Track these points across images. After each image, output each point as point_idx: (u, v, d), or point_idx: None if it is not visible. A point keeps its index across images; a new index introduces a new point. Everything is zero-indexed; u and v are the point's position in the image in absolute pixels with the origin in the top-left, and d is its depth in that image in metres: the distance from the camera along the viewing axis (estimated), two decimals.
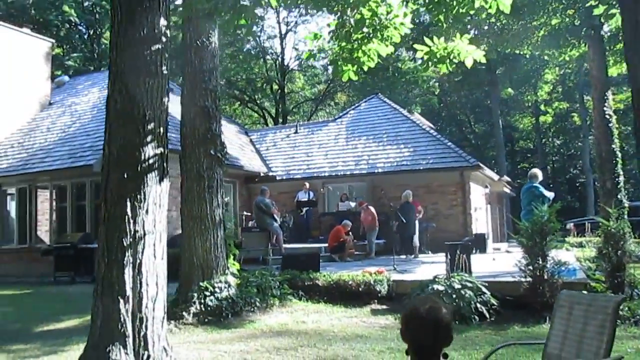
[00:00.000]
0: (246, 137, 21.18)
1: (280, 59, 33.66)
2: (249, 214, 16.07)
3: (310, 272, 9.01)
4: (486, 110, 37.83)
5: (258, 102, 35.80)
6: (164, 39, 4.68)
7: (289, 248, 13.78)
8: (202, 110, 7.89)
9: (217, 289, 7.52)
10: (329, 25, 6.02)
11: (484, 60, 6.15)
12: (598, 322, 3.12)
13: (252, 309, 7.62)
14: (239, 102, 36.97)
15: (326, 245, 13.51)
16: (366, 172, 16.73)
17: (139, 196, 4.38)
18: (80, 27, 35.61)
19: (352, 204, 16.25)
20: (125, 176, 4.37)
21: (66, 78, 22.94)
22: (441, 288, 7.63)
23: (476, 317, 7.28)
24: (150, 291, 4.39)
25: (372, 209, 14.10)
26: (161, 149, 4.61)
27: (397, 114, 19.24)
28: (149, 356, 4.30)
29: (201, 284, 7.38)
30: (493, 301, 7.58)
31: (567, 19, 17.03)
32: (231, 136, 19.80)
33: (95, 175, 14.93)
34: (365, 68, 6.12)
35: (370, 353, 5.70)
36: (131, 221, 4.33)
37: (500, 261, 11.01)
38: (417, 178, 16.01)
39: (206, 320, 7.17)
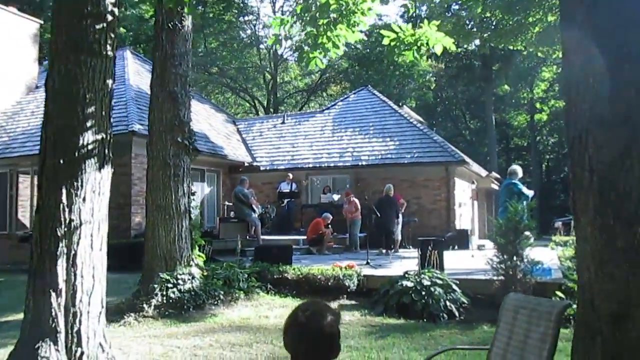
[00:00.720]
0: (233, 126, 20.90)
1: (274, 48, 33.24)
2: (231, 204, 15.84)
3: (280, 265, 8.81)
4: (481, 107, 37.59)
5: (250, 91, 35.48)
6: (109, 17, 4.42)
7: (267, 240, 13.58)
8: (170, 96, 7.64)
9: (180, 281, 7.31)
10: (294, 9, 5.78)
11: (454, 48, 5.91)
12: (541, 329, 2.92)
13: (215, 302, 7.42)
14: (231, 92, 36.65)
15: (305, 237, 13.31)
16: (350, 164, 16.51)
17: (75, 183, 4.14)
18: None
19: (335, 197, 16.03)
20: (62, 162, 4.12)
21: None
22: (410, 285, 7.45)
23: (445, 315, 7.10)
24: (85, 284, 4.16)
25: (357, 201, 13.86)
26: (102, 135, 4.37)
27: (385, 107, 18.99)
28: (82, 353, 4.07)
29: (162, 275, 7.15)
30: (463, 299, 7.40)
31: None
32: (218, 125, 19.55)
33: None
34: (333, 55, 5.87)
35: None
36: (66, 210, 4.09)
37: (479, 258, 10.80)
38: (402, 172, 15.80)
39: (167, 313, 6.96)
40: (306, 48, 5.83)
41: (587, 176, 2.56)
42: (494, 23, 17.77)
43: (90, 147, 4.23)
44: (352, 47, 35.40)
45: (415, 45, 5.42)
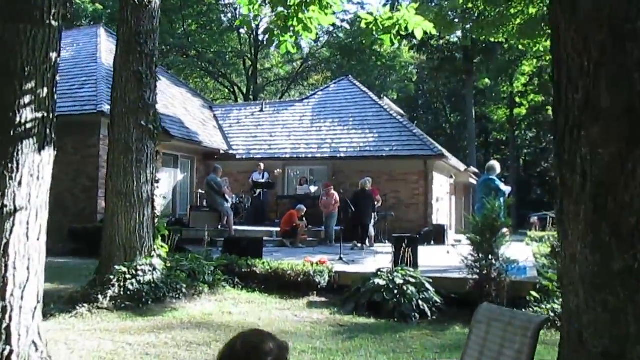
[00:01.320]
0: (210, 112, 20.38)
1: (254, 34, 32.64)
2: (204, 192, 15.40)
3: (248, 259, 8.44)
4: (462, 100, 37.49)
5: (229, 77, 34.82)
6: None
7: (240, 230, 13.19)
8: (134, 76, 7.18)
9: (139, 272, 6.89)
10: None
11: (434, 32, 5.59)
12: (516, 346, 2.61)
13: (177, 296, 7.02)
14: (209, 77, 35.95)
15: (279, 229, 12.95)
16: (328, 155, 16.16)
17: (10, 165, 3.72)
18: None
19: (313, 188, 15.68)
20: None
21: None
22: (382, 283, 7.15)
23: (417, 315, 6.82)
24: (18, 277, 3.75)
25: (336, 194, 13.49)
26: (44, 113, 3.94)
27: (365, 98, 18.64)
28: (11, 352, 3.67)
29: (119, 265, 6.73)
30: (436, 299, 7.13)
31: (545, 8, 16.54)
32: (194, 110, 19.03)
33: None
34: (305, 39, 5.50)
35: (290, 353, 5.16)
36: None
37: (454, 255, 10.56)
38: (380, 165, 15.52)
39: (123, 305, 6.54)
40: (276, 31, 5.43)
41: (579, 181, 2.14)
42: (476, 14, 17.54)
43: (28, 126, 3.80)
44: (334, 35, 34.99)
45: (394, 29, 5.07)
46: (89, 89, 13.64)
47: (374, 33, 5.08)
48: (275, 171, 16.22)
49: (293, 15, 5.05)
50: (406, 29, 5.04)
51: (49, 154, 3.99)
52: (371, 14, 5.12)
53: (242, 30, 33.09)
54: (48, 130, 3.96)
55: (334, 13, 5.32)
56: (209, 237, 12.12)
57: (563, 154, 2.26)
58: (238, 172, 17.04)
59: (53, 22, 3.95)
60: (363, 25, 5.26)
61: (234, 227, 12.70)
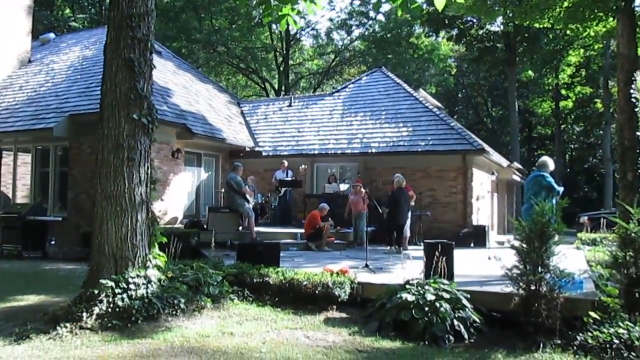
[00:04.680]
0: (237, 108, 19.63)
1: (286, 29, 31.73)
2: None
3: (261, 267, 7.52)
4: (504, 93, 35.72)
5: (260, 73, 34.08)
6: None
7: (263, 232, 12.33)
8: (125, 64, 6.35)
9: (132, 286, 6.06)
10: None
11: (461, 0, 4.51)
12: None
13: (174, 312, 6.16)
14: (241, 73, 35.30)
15: (302, 231, 12.03)
16: (359, 151, 15.14)
17: None
18: None
19: (343, 187, 14.69)
20: None
21: (52, 35, 21.54)
22: (411, 298, 6.10)
23: (451, 337, 5.74)
24: None
25: (365, 191, 12.49)
26: None
27: (399, 90, 17.52)
28: None
29: (106, 279, 5.90)
30: (475, 317, 6.04)
31: None
32: (220, 106, 18.32)
33: (58, 140, 13.63)
34: (309, 11, 4.53)
35: None
36: None
37: (497, 260, 9.41)
38: (414, 161, 14.42)
39: (110, 324, 5.71)
40: (273, 3, 4.46)
41: None
42: None
43: None
44: (369, 28, 33.86)
45: None
46: (99, 85, 13.06)
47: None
48: (300, 167, 15.29)
49: None
50: None
51: None
52: None
53: (273, 26, 32.33)
54: None
55: None
56: (229, 240, 11.38)
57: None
58: (265, 170, 16.23)
59: None
60: None
61: (255, 229, 11.83)
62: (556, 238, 5.99)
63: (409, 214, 12.30)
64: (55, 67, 17.08)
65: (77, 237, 11.86)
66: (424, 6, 23.97)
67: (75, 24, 31.11)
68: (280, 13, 4.54)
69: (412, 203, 12.59)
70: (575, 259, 10.03)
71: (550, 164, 8.25)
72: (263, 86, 34.80)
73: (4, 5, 17.24)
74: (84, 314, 5.71)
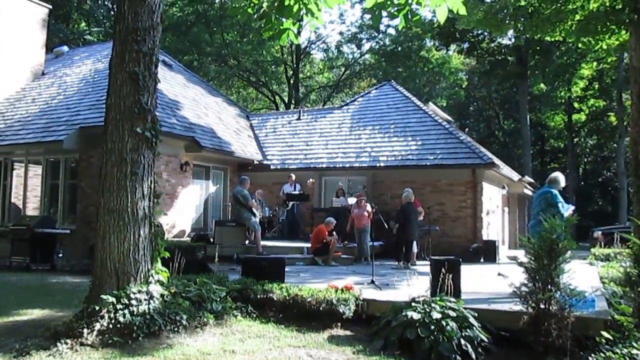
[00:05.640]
0: (246, 122, 19.65)
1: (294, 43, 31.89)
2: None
3: (265, 283, 7.42)
4: (515, 106, 35.53)
5: (270, 86, 34.22)
6: None
7: (270, 246, 12.25)
8: (130, 77, 6.33)
9: (133, 301, 5.98)
10: None
11: (464, 12, 4.41)
12: None
13: (176, 329, 6.06)
14: (252, 87, 35.46)
15: (309, 245, 11.93)
16: (367, 165, 15.06)
17: None
18: (107, 2, 34.86)
19: (351, 200, 14.59)
20: None
21: (65, 48, 21.80)
22: (417, 316, 5.96)
23: (458, 357, 5.59)
24: None
25: (369, 205, 12.40)
26: None
27: (408, 103, 17.45)
28: None
29: (104, 296, 5.83)
30: (482, 337, 5.88)
31: (607, 2, 14.94)
32: (228, 119, 18.35)
33: (68, 152, 13.70)
34: (311, 27, 4.47)
35: None
36: None
37: (505, 278, 9.24)
38: (423, 174, 14.30)
39: (111, 341, 5.63)
40: (274, 17, 4.41)
41: None
42: (529, 12, 16.10)
43: None
44: (379, 42, 33.90)
45: (408, 6, 3.95)
46: None
47: (385, 10, 3.98)
48: (308, 181, 15.23)
49: None
50: (418, 3, 3.91)
51: None
52: None
53: None
54: None
55: None
56: (235, 254, 11.32)
57: None
58: (273, 183, 16.19)
59: None
60: (368, 4, 4.15)
61: (262, 243, 11.76)
62: (567, 255, 5.84)
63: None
64: (67, 80, 17.24)
65: (86, 249, 11.84)
66: (434, 19, 23.89)
67: (90, 37, 31.49)
68: (281, 27, 4.47)
69: (421, 218, 12.46)
70: (588, 275, 9.83)
71: (562, 181, 8.09)
72: (273, 99, 34.93)
73: (19, 19, 17.47)
74: (85, 330, 5.63)
